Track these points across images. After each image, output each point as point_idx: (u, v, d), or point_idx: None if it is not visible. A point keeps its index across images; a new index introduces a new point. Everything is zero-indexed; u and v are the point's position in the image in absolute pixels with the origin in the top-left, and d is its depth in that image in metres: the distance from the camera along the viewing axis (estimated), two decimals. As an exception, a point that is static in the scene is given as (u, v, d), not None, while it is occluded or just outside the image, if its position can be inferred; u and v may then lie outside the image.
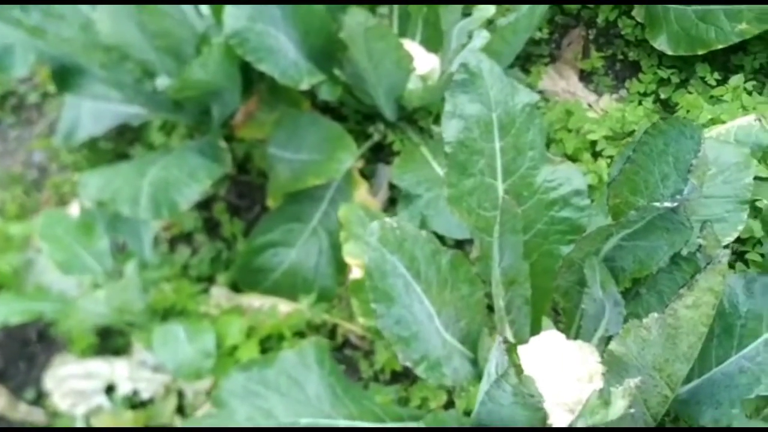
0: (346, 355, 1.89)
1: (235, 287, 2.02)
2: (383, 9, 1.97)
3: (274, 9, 1.71)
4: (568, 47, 2.33)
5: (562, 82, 2.32)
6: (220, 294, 1.99)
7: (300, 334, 1.87)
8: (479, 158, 1.41)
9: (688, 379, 1.37)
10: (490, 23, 1.94)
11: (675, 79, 2.14)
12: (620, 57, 2.25)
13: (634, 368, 1.25)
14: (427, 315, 1.31)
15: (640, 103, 2.11)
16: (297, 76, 1.73)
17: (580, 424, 1.20)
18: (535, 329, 1.52)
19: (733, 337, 1.32)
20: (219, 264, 2.10)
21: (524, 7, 1.76)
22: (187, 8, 1.80)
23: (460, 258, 1.37)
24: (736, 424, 1.13)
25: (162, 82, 1.80)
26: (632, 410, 1.19)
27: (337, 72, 1.90)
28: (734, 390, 1.25)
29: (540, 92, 2.27)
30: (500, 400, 1.16)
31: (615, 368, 1.29)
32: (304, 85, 1.74)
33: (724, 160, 1.48)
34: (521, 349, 1.48)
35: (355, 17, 1.65)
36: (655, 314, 1.19)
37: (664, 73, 2.15)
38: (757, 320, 1.29)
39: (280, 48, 1.73)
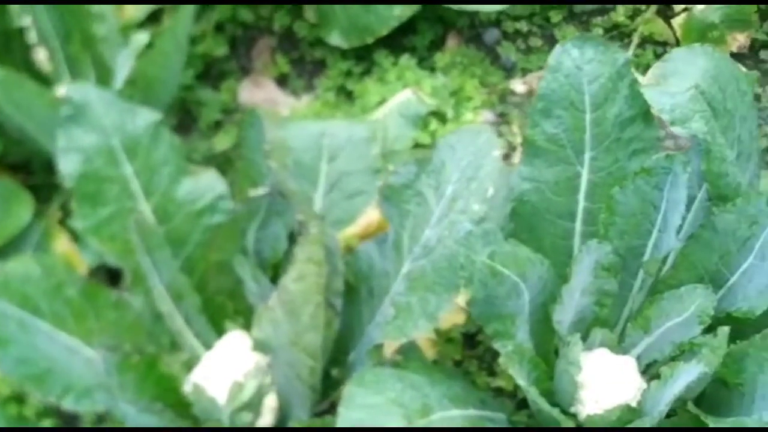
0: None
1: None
2: (41, 55, 1.95)
3: None
4: (258, 58, 2.42)
5: (260, 93, 2.40)
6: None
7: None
8: (111, 185, 1.44)
9: (354, 345, 1.47)
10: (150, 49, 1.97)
11: (358, 70, 2.26)
12: (308, 58, 2.35)
13: (278, 348, 1.32)
14: (66, 348, 1.32)
15: (325, 100, 2.23)
16: None
17: (227, 410, 1.25)
18: (221, 334, 1.57)
19: (374, 297, 1.42)
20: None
21: (164, 32, 1.81)
22: None
23: (93, 286, 1.39)
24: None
25: None
26: (273, 386, 1.26)
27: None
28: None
29: (239, 106, 2.34)
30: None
31: (266, 353, 1.36)
32: (-65, 150, 1.70)
33: (356, 137, 1.60)
34: (208, 355, 1.53)
35: (-20, 72, 1.63)
36: (274, 294, 1.27)
37: (346, 66, 2.27)
38: (386, 277, 1.40)
39: None
